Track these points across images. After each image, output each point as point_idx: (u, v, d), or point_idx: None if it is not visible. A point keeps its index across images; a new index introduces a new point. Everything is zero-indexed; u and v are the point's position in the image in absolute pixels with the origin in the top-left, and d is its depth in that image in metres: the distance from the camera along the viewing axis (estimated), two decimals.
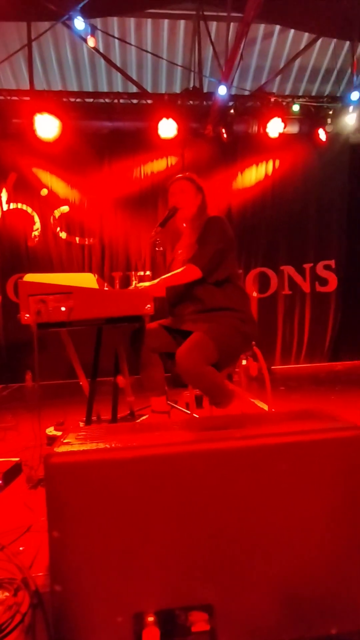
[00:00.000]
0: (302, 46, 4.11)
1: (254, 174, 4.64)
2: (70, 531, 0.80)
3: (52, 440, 2.13)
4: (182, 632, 0.82)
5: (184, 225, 2.00)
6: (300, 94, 4.65)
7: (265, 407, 2.43)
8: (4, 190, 4.33)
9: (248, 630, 0.88)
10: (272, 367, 4.58)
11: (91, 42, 3.24)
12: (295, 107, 4.36)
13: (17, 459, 1.83)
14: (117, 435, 0.91)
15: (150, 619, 0.81)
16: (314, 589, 0.89)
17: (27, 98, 3.99)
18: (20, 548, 1.23)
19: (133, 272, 3.19)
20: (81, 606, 0.81)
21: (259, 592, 0.88)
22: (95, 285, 1.69)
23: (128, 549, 0.82)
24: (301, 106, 4.39)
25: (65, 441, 0.85)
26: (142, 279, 1.98)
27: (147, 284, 1.84)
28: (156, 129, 4.14)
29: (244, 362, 2.35)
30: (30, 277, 1.63)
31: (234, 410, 1.79)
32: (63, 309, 1.53)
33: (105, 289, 1.85)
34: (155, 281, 1.81)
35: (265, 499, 0.87)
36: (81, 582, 0.81)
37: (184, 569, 0.84)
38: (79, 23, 3.17)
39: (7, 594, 1.04)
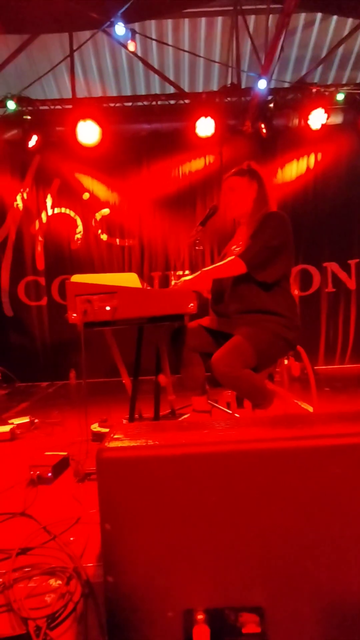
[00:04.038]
0: (345, 32, 3.94)
1: (294, 169, 4.51)
2: (121, 524, 0.81)
3: (97, 436, 2.20)
4: (233, 633, 0.81)
5: (239, 221, 1.92)
6: (344, 82, 4.45)
7: (310, 409, 2.36)
8: (49, 196, 4.52)
9: (298, 636, 0.86)
10: (316, 368, 4.42)
11: (131, 46, 3.30)
12: (340, 96, 4.17)
13: (64, 453, 1.91)
14: (166, 433, 0.91)
15: (200, 616, 0.80)
16: None
17: (70, 106, 4.14)
18: (71, 538, 1.28)
19: (172, 272, 3.21)
20: (132, 598, 0.82)
21: (310, 598, 0.85)
22: (138, 285, 1.71)
23: (178, 545, 0.82)
24: (345, 95, 4.20)
25: (115, 437, 0.87)
26: (180, 278, 1.98)
27: (187, 277, 1.81)
28: (194, 128, 4.14)
29: (285, 362, 2.29)
30: (76, 278, 1.69)
31: (275, 411, 1.75)
32: (108, 308, 1.57)
33: (148, 288, 1.87)
34: (196, 274, 1.78)
35: (317, 502, 0.84)
36: (132, 575, 0.82)
37: (233, 569, 0.83)
38: (120, 29, 3.24)
39: (59, 582, 1.08)
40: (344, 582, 0.85)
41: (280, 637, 0.85)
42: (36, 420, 2.67)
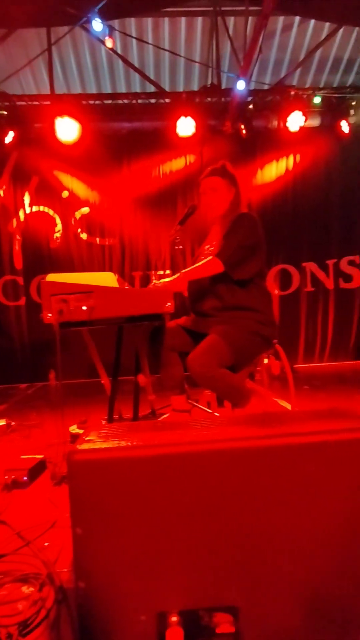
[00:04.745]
0: (323, 37, 4.01)
1: (274, 170, 4.57)
2: (93, 528, 0.80)
3: (75, 438, 2.16)
4: (207, 633, 0.81)
5: (212, 221, 1.95)
6: (322, 85, 4.54)
7: (289, 407, 2.38)
8: (26, 194, 4.42)
9: (273, 634, 0.86)
10: (295, 366, 4.49)
11: (109, 42, 3.26)
12: (317, 100, 4.26)
13: (41, 456, 1.87)
14: (139, 433, 0.90)
15: (174, 618, 0.80)
16: (340, 593, 0.86)
17: (48, 102, 4.06)
18: (45, 544, 1.25)
19: (153, 272, 3.19)
20: (105, 603, 0.81)
21: (285, 595, 0.85)
22: (115, 284, 1.70)
23: (151, 547, 0.81)
24: (323, 98, 4.28)
25: (87, 439, 0.86)
26: (161, 277, 1.97)
27: (166, 279, 1.83)
28: (174, 127, 4.13)
29: (265, 360, 2.31)
30: (52, 277, 1.65)
31: (253, 409, 1.76)
32: (84, 308, 1.55)
33: (126, 287, 1.86)
34: (176, 276, 1.79)
35: (291, 500, 0.84)
36: (104, 579, 0.81)
37: (207, 570, 0.83)
38: (97, 24, 3.19)
39: (32, 589, 1.05)
40: (319, 579, 0.86)
41: (255, 635, 0.85)
42: (13, 423, 2.61)
